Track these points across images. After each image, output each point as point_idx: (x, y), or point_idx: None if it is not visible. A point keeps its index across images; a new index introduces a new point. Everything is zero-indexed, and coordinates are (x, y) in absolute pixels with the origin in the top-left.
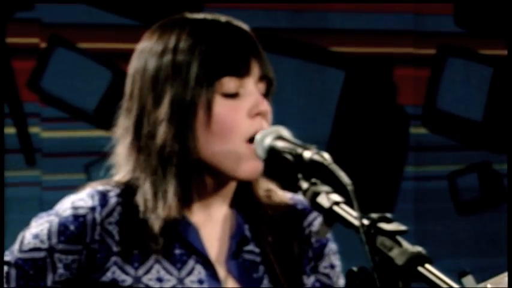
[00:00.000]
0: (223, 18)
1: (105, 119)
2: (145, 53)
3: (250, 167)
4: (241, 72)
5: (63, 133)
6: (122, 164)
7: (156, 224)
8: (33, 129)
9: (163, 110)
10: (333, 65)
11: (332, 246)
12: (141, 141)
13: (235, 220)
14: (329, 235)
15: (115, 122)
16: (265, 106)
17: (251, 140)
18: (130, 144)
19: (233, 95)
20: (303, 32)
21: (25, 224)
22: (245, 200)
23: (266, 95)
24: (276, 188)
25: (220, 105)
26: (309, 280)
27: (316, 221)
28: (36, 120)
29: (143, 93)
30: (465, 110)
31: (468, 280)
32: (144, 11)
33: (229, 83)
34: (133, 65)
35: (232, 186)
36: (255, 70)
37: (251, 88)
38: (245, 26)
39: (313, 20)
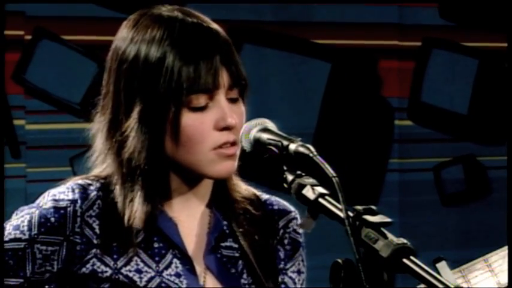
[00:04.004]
0: (193, 18)
1: (90, 111)
2: (119, 56)
3: (221, 168)
4: (210, 88)
5: (48, 126)
6: (98, 160)
7: (125, 224)
8: (18, 122)
9: (133, 122)
10: (318, 58)
11: (303, 252)
12: (113, 147)
13: (214, 216)
14: (302, 240)
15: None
16: (234, 119)
17: (219, 147)
18: (104, 147)
19: (201, 108)
20: (287, 25)
21: (10, 216)
22: (223, 198)
23: (240, 97)
24: (253, 189)
25: (188, 118)
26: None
27: (291, 223)
28: (21, 112)
29: (116, 97)
30: (450, 102)
31: (442, 266)
32: (128, 2)
33: (197, 99)
34: (109, 61)
35: (208, 184)
36: (225, 81)
37: (220, 100)
38: (216, 27)
39: (298, 13)
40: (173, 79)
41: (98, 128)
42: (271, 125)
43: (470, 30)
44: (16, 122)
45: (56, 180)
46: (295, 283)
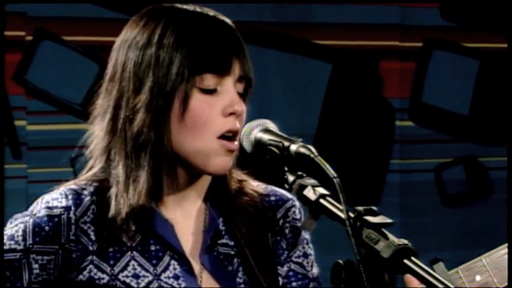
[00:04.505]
0: (210, 12)
1: (91, 112)
2: (129, 41)
3: (219, 162)
4: (222, 71)
5: (49, 126)
6: (98, 144)
7: (125, 209)
8: (19, 123)
9: (143, 97)
10: (319, 58)
11: (305, 235)
12: (118, 123)
13: (210, 214)
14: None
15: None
16: (241, 106)
17: (222, 136)
18: (108, 125)
19: (211, 91)
20: (288, 26)
21: (11, 217)
22: (219, 193)
23: (244, 94)
24: (249, 179)
25: (197, 100)
26: (283, 269)
27: (289, 211)
28: (22, 113)
29: (124, 77)
30: (451, 103)
31: (439, 267)
32: (130, 3)
33: (208, 80)
34: (116, 50)
35: (205, 181)
36: (236, 69)
37: (229, 87)
38: (230, 22)
39: (299, 14)
40: (187, 56)
41: (100, 111)
42: (272, 125)
43: (471, 31)
44: (17, 123)
45: (57, 181)
46: (303, 266)
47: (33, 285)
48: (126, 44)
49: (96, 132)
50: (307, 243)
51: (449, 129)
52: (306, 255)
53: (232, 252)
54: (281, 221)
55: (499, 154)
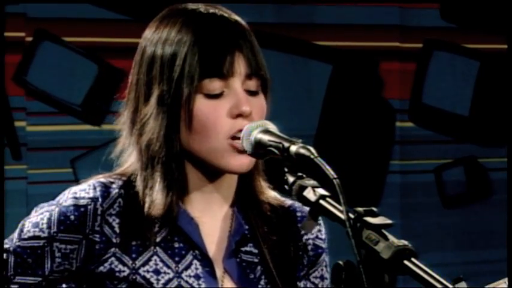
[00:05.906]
0: (215, 10)
1: (91, 113)
2: (143, 45)
3: (237, 161)
4: (224, 74)
5: (49, 127)
6: (125, 154)
7: (148, 217)
8: (19, 124)
9: (151, 108)
10: (319, 59)
11: (326, 258)
12: (133, 136)
13: (236, 219)
14: (325, 245)
15: (102, 116)
16: (248, 107)
17: (233, 137)
18: (127, 139)
19: (216, 96)
20: (289, 26)
21: (11, 217)
22: (247, 201)
23: (261, 91)
24: (276, 193)
25: (202, 105)
26: (299, 285)
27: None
28: (22, 114)
29: (138, 88)
30: (451, 104)
31: (462, 286)
32: (130, 4)
33: (211, 84)
34: (135, 56)
35: (231, 183)
36: (241, 69)
37: (235, 88)
38: (238, 19)
39: (299, 14)
40: (188, 63)
41: (122, 122)
42: (272, 126)
43: (471, 32)
44: (17, 124)
45: (57, 182)
46: None
47: (54, 274)
48: (140, 52)
49: (121, 143)
50: (325, 266)
51: (450, 130)
52: (322, 278)
53: (256, 260)
54: (305, 237)
55: (499, 155)
